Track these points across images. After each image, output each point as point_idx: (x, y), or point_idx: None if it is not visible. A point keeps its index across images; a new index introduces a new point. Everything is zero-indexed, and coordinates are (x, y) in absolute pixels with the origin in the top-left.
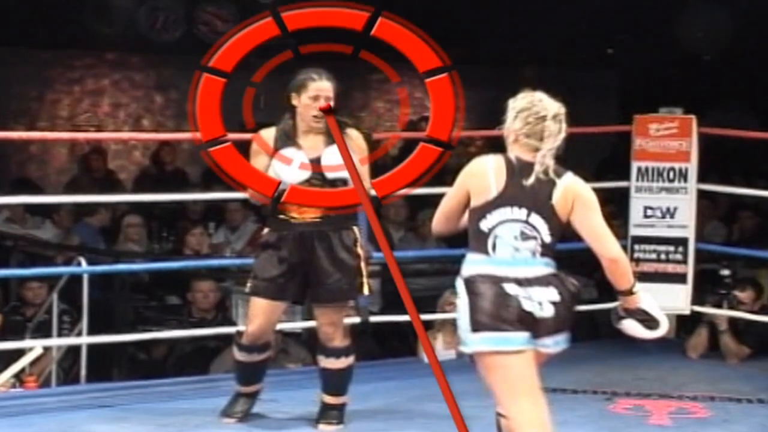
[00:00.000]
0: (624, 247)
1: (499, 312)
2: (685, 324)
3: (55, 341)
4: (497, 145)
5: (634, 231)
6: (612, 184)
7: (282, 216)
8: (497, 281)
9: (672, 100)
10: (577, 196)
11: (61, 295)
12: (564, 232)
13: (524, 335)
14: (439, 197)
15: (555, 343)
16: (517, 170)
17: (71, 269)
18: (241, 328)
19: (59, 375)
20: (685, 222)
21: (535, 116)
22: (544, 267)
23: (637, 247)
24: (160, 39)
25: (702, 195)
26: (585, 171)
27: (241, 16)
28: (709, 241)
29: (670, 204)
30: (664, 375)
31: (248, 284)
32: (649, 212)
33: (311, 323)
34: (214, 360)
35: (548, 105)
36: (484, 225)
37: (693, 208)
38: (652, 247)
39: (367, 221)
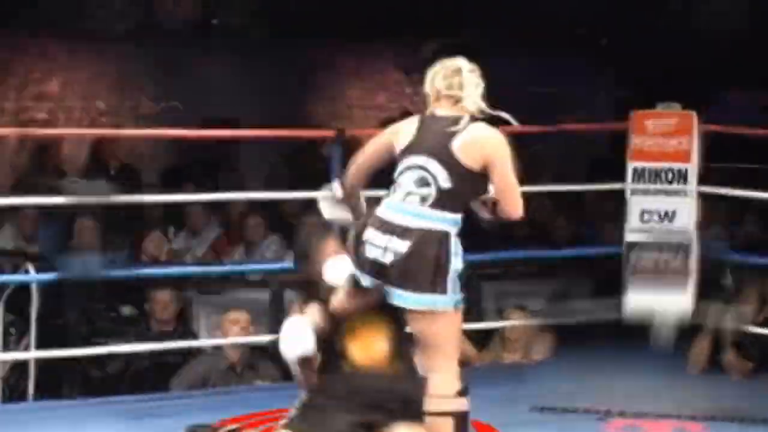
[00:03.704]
0: (619, 255)
1: (357, 254)
2: (684, 336)
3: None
4: None
5: (630, 236)
6: (606, 186)
7: None
8: (367, 224)
9: (672, 95)
10: (483, 147)
11: (7, 306)
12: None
13: (371, 279)
14: None
15: (398, 296)
16: (428, 123)
17: (17, 278)
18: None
19: (5, 392)
20: (685, 227)
21: (451, 69)
22: (425, 220)
23: (634, 252)
24: (115, 25)
25: (703, 197)
26: (576, 170)
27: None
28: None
29: (668, 208)
30: (661, 391)
31: None
32: (647, 216)
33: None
34: (173, 376)
35: (460, 61)
36: (395, 174)
37: (694, 212)
38: (651, 254)
39: None
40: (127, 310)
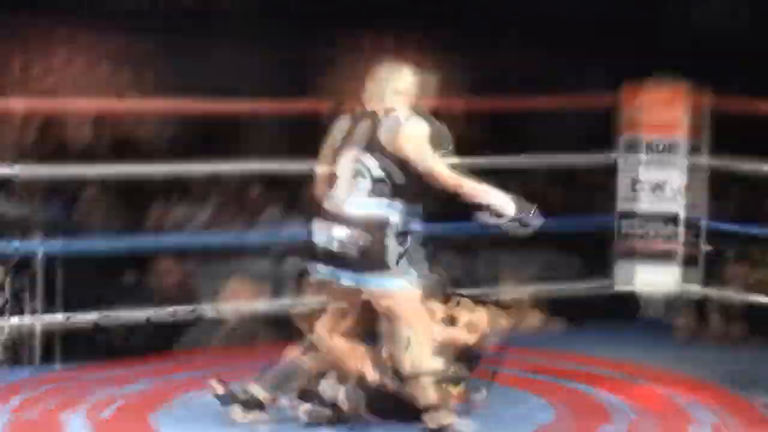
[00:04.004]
0: (610, 223)
1: (313, 246)
2: (673, 304)
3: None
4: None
5: (621, 205)
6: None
7: None
8: (319, 218)
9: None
10: (402, 136)
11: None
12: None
13: (327, 267)
14: None
15: (350, 278)
16: (358, 119)
17: (26, 246)
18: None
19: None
20: (674, 197)
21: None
22: (370, 208)
23: (624, 222)
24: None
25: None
26: (571, 140)
27: None
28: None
29: (659, 178)
30: (652, 358)
31: None
32: (637, 186)
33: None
34: (176, 341)
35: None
36: (336, 170)
37: (683, 182)
38: (640, 223)
39: None
40: (130, 278)
